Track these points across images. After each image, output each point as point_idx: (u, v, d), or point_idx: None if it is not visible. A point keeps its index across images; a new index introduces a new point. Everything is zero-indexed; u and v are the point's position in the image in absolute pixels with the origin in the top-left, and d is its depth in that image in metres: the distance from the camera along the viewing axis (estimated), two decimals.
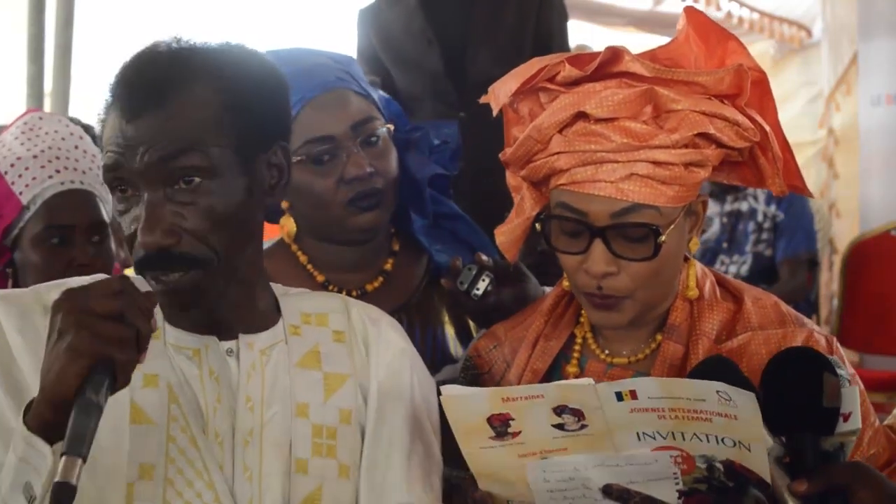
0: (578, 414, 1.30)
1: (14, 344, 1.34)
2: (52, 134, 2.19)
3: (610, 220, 1.52)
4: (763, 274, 4.71)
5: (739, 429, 1.27)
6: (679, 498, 1.33)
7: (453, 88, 3.15)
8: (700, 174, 1.54)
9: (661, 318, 1.65)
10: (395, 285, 2.04)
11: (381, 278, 2.04)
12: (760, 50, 7.23)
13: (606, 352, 1.67)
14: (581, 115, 1.52)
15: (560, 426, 1.31)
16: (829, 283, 5.99)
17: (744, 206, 4.74)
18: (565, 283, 1.70)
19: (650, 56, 1.57)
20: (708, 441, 1.29)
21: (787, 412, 1.33)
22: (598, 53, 1.54)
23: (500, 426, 1.31)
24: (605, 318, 1.60)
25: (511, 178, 1.69)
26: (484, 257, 1.89)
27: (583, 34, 6.31)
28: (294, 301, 1.53)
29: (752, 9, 6.97)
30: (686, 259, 1.65)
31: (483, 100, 1.65)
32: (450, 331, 2.05)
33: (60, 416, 1.14)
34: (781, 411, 1.33)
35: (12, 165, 2.13)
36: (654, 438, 1.30)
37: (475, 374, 1.74)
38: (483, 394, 1.33)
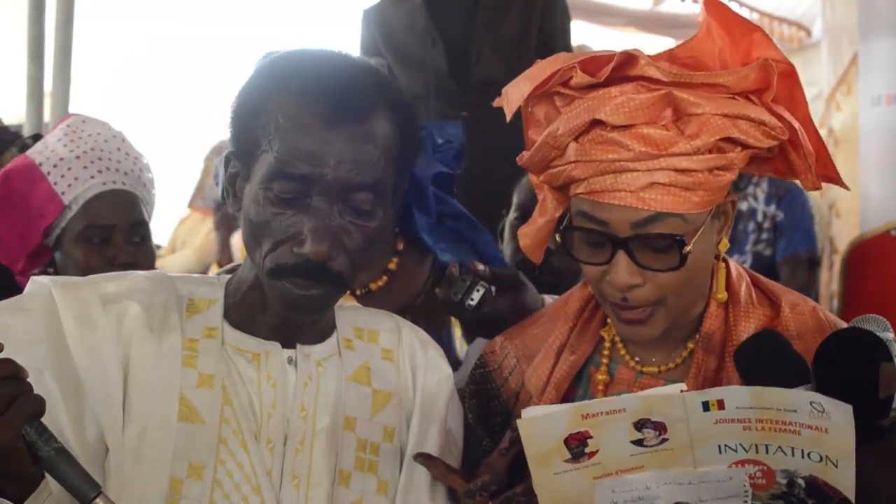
0: (660, 427, 1.26)
1: (69, 332, 1.34)
2: (94, 136, 2.23)
3: (632, 229, 1.45)
4: (763, 274, 4.68)
5: (828, 443, 1.22)
6: None
7: (456, 88, 3.14)
8: (726, 177, 1.47)
9: (693, 323, 1.58)
10: (399, 284, 2.03)
11: (385, 277, 2.03)
12: None
13: (637, 359, 1.60)
14: (596, 123, 1.45)
15: (639, 442, 1.27)
16: (829, 283, 5.97)
17: (744, 206, 4.72)
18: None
19: (669, 56, 1.49)
20: (792, 455, 1.25)
21: (841, 399, 1.24)
22: (613, 55, 1.46)
23: (577, 446, 1.28)
24: (635, 333, 1.54)
25: (533, 178, 1.64)
26: (480, 266, 1.85)
27: (583, 34, 6.30)
28: (348, 315, 1.55)
29: (752, 9, 6.94)
30: (718, 257, 1.58)
31: (496, 103, 1.59)
32: (456, 331, 2.05)
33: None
34: (835, 397, 1.25)
35: (55, 166, 2.18)
36: (736, 451, 1.27)
37: (484, 372, 1.71)
38: (562, 412, 1.29)
